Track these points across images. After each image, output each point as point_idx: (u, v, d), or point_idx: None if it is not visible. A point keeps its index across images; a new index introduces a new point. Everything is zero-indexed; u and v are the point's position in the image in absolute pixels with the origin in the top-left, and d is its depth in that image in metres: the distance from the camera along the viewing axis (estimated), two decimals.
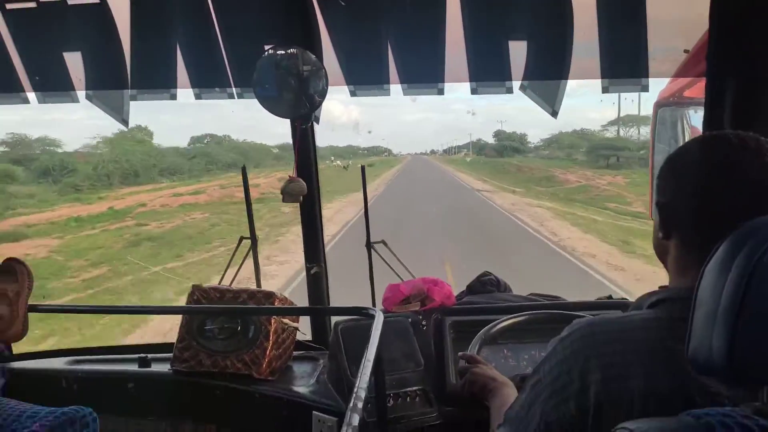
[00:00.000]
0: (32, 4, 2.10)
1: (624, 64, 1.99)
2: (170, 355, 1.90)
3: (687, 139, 2.29)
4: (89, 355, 2.15)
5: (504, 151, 60.21)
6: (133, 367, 1.98)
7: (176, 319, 1.96)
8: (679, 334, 0.82)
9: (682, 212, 0.97)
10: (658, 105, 2.38)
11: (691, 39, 1.92)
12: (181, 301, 1.99)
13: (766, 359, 0.71)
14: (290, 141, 2.12)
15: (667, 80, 2.17)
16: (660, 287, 1.18)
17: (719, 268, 0.75)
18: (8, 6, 2.10)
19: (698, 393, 0.84)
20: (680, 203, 0.97)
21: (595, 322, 0.97)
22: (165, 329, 6.88)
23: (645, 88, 2.00)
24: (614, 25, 1.96)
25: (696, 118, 2.12)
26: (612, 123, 40.22)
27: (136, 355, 2.00)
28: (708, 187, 0.92)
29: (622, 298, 2.07)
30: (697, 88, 2.02)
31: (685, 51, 1.95)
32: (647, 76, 1.98)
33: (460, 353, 1.51)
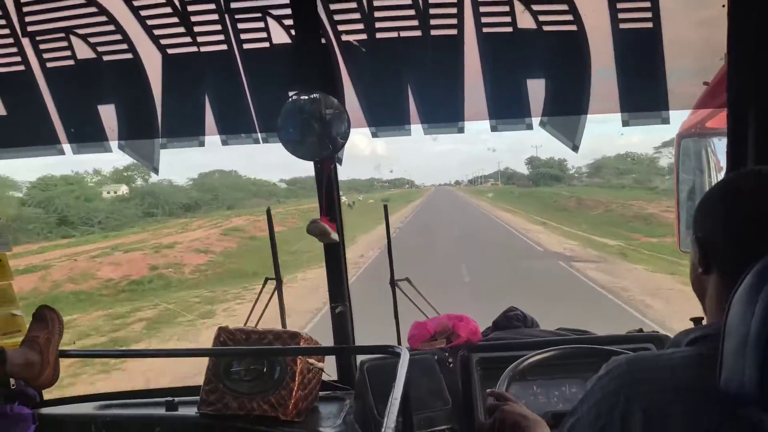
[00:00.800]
0: (71, 62, 2.22)
1: (643, 97, 2.01)
2: (197, 398, 1.89)
3: (712, 169, 2.28)
4: (117, 400, 2.15)
5: (540, 180, 56.03)
6: (161, 411, 1.97)
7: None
8: None
9: (723, 247, 0.96)
10: (681, 136, 2.38)
11: (710, 71, 1.93)
12: (208, 344, 1.99)
13: None
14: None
15: (688, 112, 2.17)
16: (691, 319, 1.16)
17: (747, 299, 0.75)
18: (48, 65, 2.23)
19: (744, 430, 0.82)
20: (720, 238, 0.97)
21: (634, 360, 0.95)
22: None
23: (666, 121, 2.01)
24: (632, 59, 1.99)
25: (720, 146, 2.10)
26: (666, 144, 36.01)
27: (163, 399, 2.00)
28: (750, 220, 0.92)
29: (654, 331, 2.01)
30: (719, 119, 2.01)
31: (705, 83, 1.96)
32: (667, 109, 1.99)
33: (488, 390, 1.47)
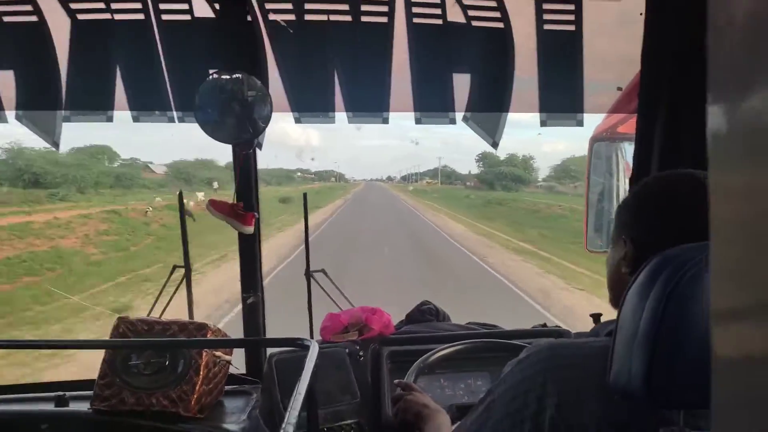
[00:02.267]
0: None
1: (561, 99, 2.06)
2: (90, 393, 1.75)
3: (621, 172, 2.38)
4: (2, 394, 1.98)
5: (496, 182, 47.52)
6: (49, 407, 1.82)
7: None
8: None
9: (654, 247, 0.97)
10: (594, 139, 2.47)
11: (625, 77, 2.01)
12: (106, 335, 1.86)
13: (681, 384, 0.73)
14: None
15: (602, 116, 2.26)
16: (590, 315, 1.18)
17: (639, 295, 0.77)
18: None
19: (656, 423, 0.83)
20: (656, 240, 0.95)
21: (556, 345, 0.96)
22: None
23: (580, 123, 2.07)
24: (552, 61, 2.03)
25: (630, 151, 2.20)
26: None
27: (53, 394, 1.84)
28: (685, 224, 0.91)
29: (556, 326, 2.09)
30: (630, 125, 2.10)
31: (619, 89, 2.04)
32: (583, 112, 2.05)
33: (395, 381, 1.47)
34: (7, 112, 2.12)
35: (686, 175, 0.99)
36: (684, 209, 0.95)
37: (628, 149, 2.36)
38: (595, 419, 0.85)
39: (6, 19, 2.04)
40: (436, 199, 48.72)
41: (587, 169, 2.49)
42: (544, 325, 2.11)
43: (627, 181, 2.26)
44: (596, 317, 1.27)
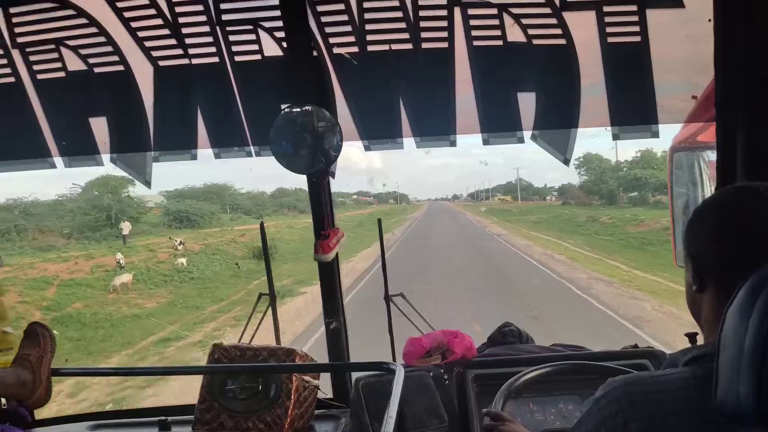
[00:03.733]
0: (62, 74, 2.21)
1: (633, 111, 2.03)
2: (191, 417, 1.87)
3: (705, 182, 2.30)
4: (110, 419, 2.13)
5: (613, 192, 34.85)
6: (154, 430, 1.95)
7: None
8: None
9: (714, 264, 0.97)
10: (673, 150, 2.41)
11: (699, 84, 1.96)
12: (203, 361, 1.98)
13: None
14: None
15: (679, 126, 2.20)
16: (686, 334, 1.16)
17: (740, 313, 0.75)
18: (39, 76, 2.21)
19: None
20: (711, 255, 0.97)
21: (631, 381, 0.95)
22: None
23: (655, 134, 2.03)
24: (621, 73, 2.01)
25: (713, 160, 2.13)
26: None
27: (156, 419, 1.97)
28: (741, 237, 0.93)
29: (648, 347, 2.02)
30: (709, 133, 2.04)
31: (693, 97, 1.98)
32: (657, 123, 2.01)
33: (484, 410, 1.46)
34: (102, 156, 2.31)
35: (741, 188, 0.98)
36: (729, 223, 0.94)
37: (711, 158, 2.30)
38: None
39: (97, 69, 2.22)
40: (536, 226, 32.70)
41: (669, 180, 2.43)
42: (636, 345, 2.04)
43: (713, 190, 2.19)
44: (692, 336, 1.25)
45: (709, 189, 2.37)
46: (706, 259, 0.98)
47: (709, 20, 1.83)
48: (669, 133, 2.19)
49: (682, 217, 2.42)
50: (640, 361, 1.84)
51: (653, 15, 1.98)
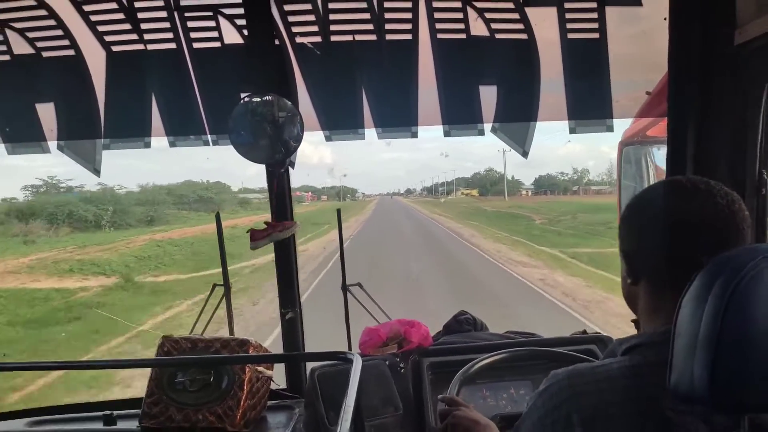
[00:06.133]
0: (6, 57, 2.11)
1: (589, 105, 2.07)
2: (138, 411, 1.80)
3: (651, 176, 2.36)
4: (51, 415, 2.03)
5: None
6: (98, 426, 1.87)
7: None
8: (657, 380, 0.83)
9: (647, 258, 1.00)
10: (623, 144, 2.47)
11: (652, 80, 2.01)
12: (152, 353, 1.91)
13: (746, 385, 0.73)
14: None
15: (630, 120, 2.25)
16: (632, 320, 1.19)
17: (696, 300, 0.77)
18: None
19: None
20: (644, 250, 1.01)
21: (573, 374, 0.97)
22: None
23: (610, 129, 2.08)
24: (578, 69, 2.05)
25: (659, 155, 2.18)
26: None
27: (101, 413, 1.89)
28: (666, 231, 0.95)
29: (596, 333, 2.07)
30: (659, 128, 2.09)
31: (647, 92, 2.03)
32: (612, 117, 2.06)
33: (439, 396, 1.47)
34: (49, 143, 2.21)
35: (670, 184, 1.01)
36: (659, 217, 0.97)
37: (657, 153, 2.35)
38: None
39: (45, 54, 2.13)
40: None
41: (618, 173, 2.49)
42: (584, 332, 2.09)
43: None
44: (638, 323, 1.27)
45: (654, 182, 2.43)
46: (638, 254, 1.02)
47: (665, 18, 1.88)
48: (622, 127, 2.24)
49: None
50: (588, 346, 1.88)
51: (612, 12, 2.03)
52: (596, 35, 2.03)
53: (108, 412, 1.87)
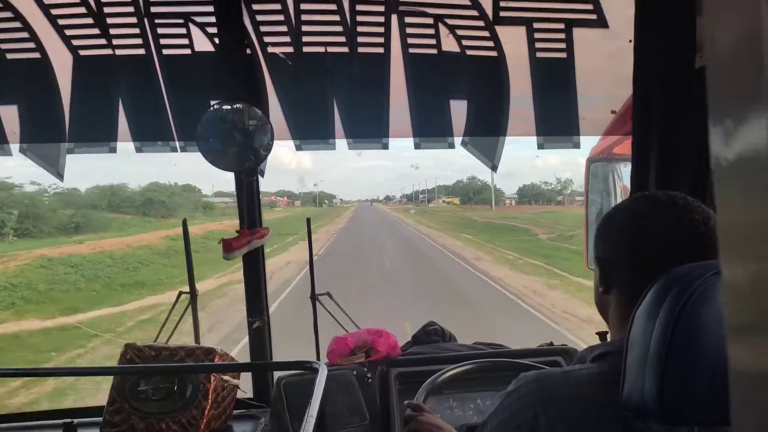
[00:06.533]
0: None
1: (556, 122, 2.12)
2: (99, 419, 1.75)
3: (618, 192, 2.43)
4: (7, 423, 1.97)
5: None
6: None
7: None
8: None
9: (620, 267, 1.02)
10: (591, 161, 2.54)
11: (618, 100, 2.07)
12: (113, 362, 1.86)
13: (693, 400, 0.74)
14: None
15: (597, 138, 2.31)
16: (596, 333, 1.22)
17: (648, 314, 0.79)
18: None
19: None
20: (617, 259, 1.02)
21: (542, 377, 0.98)
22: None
23: (576, 145, 2.13)
24: (546, 86, 2.10)
25: (625, 171, 2.24)
26: None
27: (61, 421, 1.84)
28: (642, 243, 0.97)
29: (563, 345, 2.11)
30: (625, 146, 2.16)
31: (612, 112, 2.10)
32: (579, 134, 2.11)
33: (405, 402, 1.48)
34: (11, 146, 2.15)
35: (650, 197, 1.04)
36: (634, 228, 0.99)
37: (623, 170, 2.42)
38: None
39: (9, 56, 2.09)
40: None
41: (585, 189, 2.56)
42: (551, 343, 2.12)
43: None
44: (602, 335, 1.30)
45: (621, 198, 2.50)
46: (611, 263, 1.03)
47: (630, 41, 1.94)
48: (588, 144, 2.30)
49: (594, 223, 2.55)
50: (554, 358, 1.92)
51: (579, 33, 2.08)
52: (564, 54, 2.09)
53: (68, 420, 1.81)
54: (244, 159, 2.00)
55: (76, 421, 1.81)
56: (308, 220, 2.23)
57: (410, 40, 2.09)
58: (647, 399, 0.75)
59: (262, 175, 2.13)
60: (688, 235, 0.94)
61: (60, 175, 2.18)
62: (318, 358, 2.07)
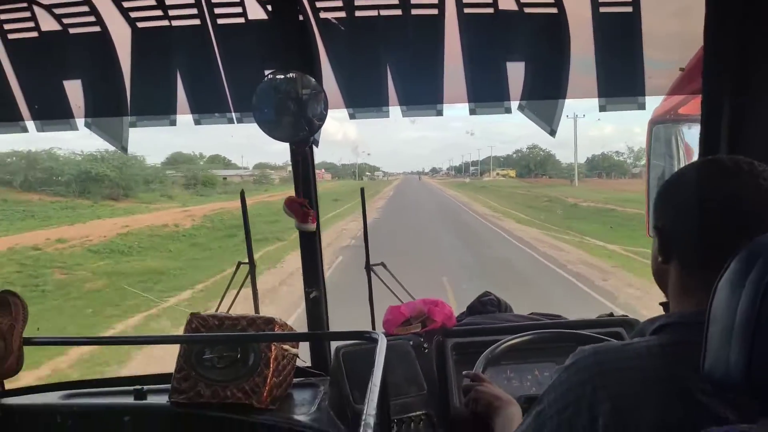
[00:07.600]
0: (34, 34, 2.12)
1: (621, 82, 2.01)
2: (167, 386, 1.85)
3: (681, 156, 2.30)
4: (84, 389, 2.10)
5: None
6: (129, 400, 1.92)
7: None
8: (686, 360, 0.82)
9: (681, 236, 0.97)
10: (653, 122, 2.40)
11: (686, 57, 1.94)
12: (180, 330, 1.95)
13: None
14: None
15: (661, 97, 2.18)
16: (660, 303, 1.17)
17: (732, 285, 0.75)
18: (9, 36, 2.12)
19: (708, 421, 0.81)
20: (679, 228, 0.98)
21: (600, 350, 0.96)
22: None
23: (642, 106, 2.02)
24: (610, 44, 1.98)
25: (689, 134, 2.10)
26: None
27: (132, 387, 1.94)
28: (706, 210, 0.93)
29: (624, 315, 2.05)
30: (691, 105, 2.03)
31: (681, 69, 1.96)
32: (644, 94, 2.00)
33: (464, 372, 1.49)
34: (77, 120, 2.23)
35: (713, 162, 0.98)
36: (698, 196, 0.94)
37: (687, 132, 2.28)
38: (648, 422, 0.85)
39: (72, 30, 2.14)
40: None
41: (647, 152, 2.43)
42: (611, 314, 2.07)
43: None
44: (666, 306, 1.26)
45: (685, 163, 2.37)
46: (671, 232, 0.99)
47: None
48: (652, 104, 2.17)
49: (655, 189, 2.42)
50: (614, 329, 1.87)
51: None
52: (629, 9, 1.96)
53: (139, 387, 1.92)
54: (299, 129, 2.01)
55: (146, 387, 1.91)
56: (362, 190, 2.23)
57: (465, 0, 2.00)
58: (732, 372, 0.72)
59: (317, 145, 2.13)
60: (753, 203, 0.90)
61: (124, 149, 2.25)
62: (374, 329, 2.09)
